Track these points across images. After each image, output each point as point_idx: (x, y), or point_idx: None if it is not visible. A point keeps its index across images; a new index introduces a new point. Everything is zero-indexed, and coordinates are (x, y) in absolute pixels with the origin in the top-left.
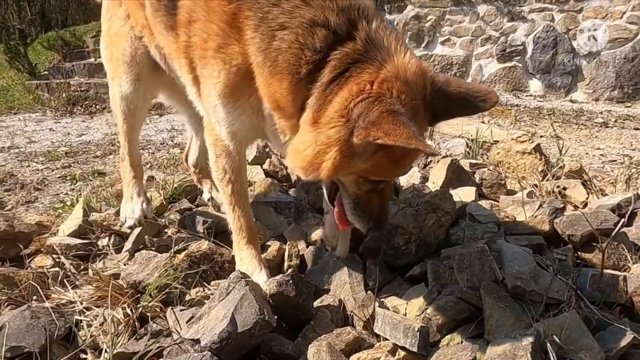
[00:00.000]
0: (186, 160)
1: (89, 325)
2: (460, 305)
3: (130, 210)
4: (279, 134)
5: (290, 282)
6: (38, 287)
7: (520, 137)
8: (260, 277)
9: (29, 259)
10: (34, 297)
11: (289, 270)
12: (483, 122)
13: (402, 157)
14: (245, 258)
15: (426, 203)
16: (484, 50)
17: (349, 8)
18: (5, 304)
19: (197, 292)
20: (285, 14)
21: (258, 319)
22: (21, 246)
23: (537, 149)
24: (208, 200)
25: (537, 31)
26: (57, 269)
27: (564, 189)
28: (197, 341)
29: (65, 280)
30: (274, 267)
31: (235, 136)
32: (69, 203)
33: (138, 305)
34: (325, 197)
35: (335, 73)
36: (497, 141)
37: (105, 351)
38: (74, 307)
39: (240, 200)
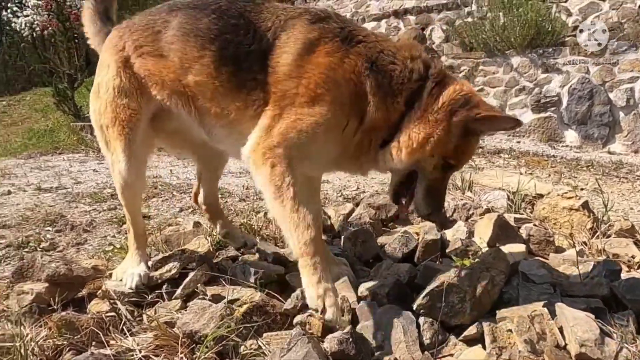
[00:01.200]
0: (195, 199)
1: None
2: None
3: (130, 273)
4: (367, 155)
5: (350, 340)
6: (99, 332)
7: (566, 192)
8: (322, 289)
9: (87, 303)
10: (93, 343)
11: (348, 328)
12: (521, 174)
13: (474, 146)
14: (310, 266)
15: (480, 262)
16: (518, 101)
17: (419, 54)
18: (67, 349)
19: (251, 345)
20: (389, 55)
21: None
22: (81, 290)
23: (585, 205)
24: (223, 236)
25: (572, 83)
26: (113, 313)
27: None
28: None
29: (123, 327)
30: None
31: (311, 167)
32: (118, 246)
33: (194, 356)
34: (391, 192)
35: (435, 82)
36: (540, 195)
37: None
38: (132, 354)
39: (304, 202)
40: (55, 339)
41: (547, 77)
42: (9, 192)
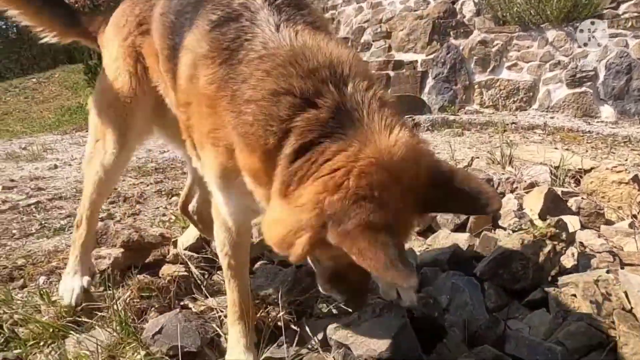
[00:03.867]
0: (184, 209)
1: None
2: (591, 331)
3: (70, 287)
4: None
5: (431, 302)
6: (178, 293)
7: (615, 166)
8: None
9: (157, 268)
10: (181, 303)
11: (425, 290)
12: (556, 149)
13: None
14: (234, 334)
15: (543, 231)
16: (553, 76)
17: (316, 70)
18: (151, 309)
19: (321, 307)
20: (250, 89)
21: (416, 353)
22: (149, 256)
23: (635, 179)
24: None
25: (610, 57)
26: (186, 273)
27: None
28: (345, 346)
29: (195, 289)
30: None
31: (232, 215)
32: (173, 217)
33: (270, 316)
34: (310, 261)
35: (300, 144)
36: (584, 169)
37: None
38: (214, 313)
39: (238, 274)
40: (138, 300)
41: (583, 51)
42: (56, 167)
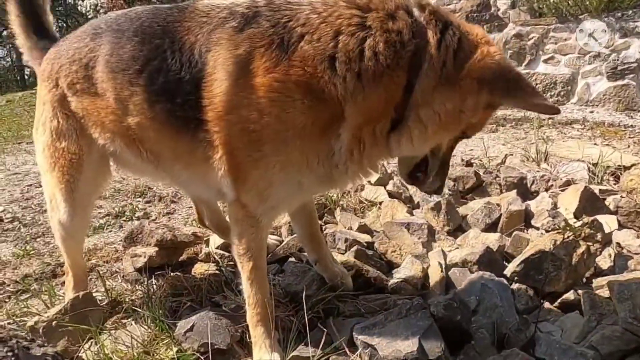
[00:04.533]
0: (203, 223)
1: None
2: (627, 335)
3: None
4: (357, 157)
5: (455, 305)
6: (209, 291)
7: None
8: None
9: (190, 266)
10: (212, 300)
11: (452, 293)
12: (595, 144)
13: (491, 115)
14: (258, 336)
15: (577, 231)
16: (592, 68)
17: (398, 7)
18: (184, 306)
19: (348, 306)
20: (353, 33)
21: (442, 355)
22: (182, 254)
23: None
24: None
25: None
26: (217, 271)
27: None
28: (371, 347)
29: (226, 287)
30: (419, 285)
31: (277, 209)
32: None
33: (298, 314)
34: (406, 173)
35: (440, 32)
36: (624, 166)
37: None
38: (243, 311)
39: (259, 277)
40: (171, 297)
41: (625, 42)
42: None
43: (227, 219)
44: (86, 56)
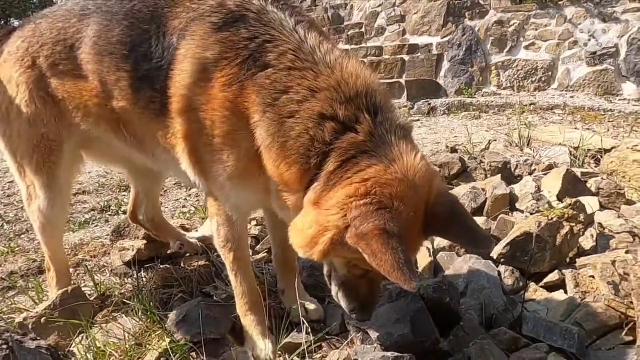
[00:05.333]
0: (134, 219)
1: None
2: (610, 312)
3: None
4: (282, 207)
5: (444, 287)
6: (201, 281)
7: (636, 145)
8: (264, 347)
9: (179, 259)
10: (202, 291)
11: (440, 276)
12: (576, 129)
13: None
14: (248, 325)
15: (560, 212)
16: (572, 54)
17: (356, 97)
18: (175, 297)
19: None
20: (294, 103)
21: (432, 335)
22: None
23: None
24: (179, 248)
25: (632, 32)
26: (206, 262)
27: None
28: (363, 330)
29: (216, 278)
30: None
31: (240, 209)
32: (193, 208)
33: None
34: (325, 273)
35: (340, 161)
36: (604, 149)
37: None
38: (234, 301)
39: (242, 267)
40: (161, 289)
41: (603, 28)
42: None
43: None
44: (72, 37)
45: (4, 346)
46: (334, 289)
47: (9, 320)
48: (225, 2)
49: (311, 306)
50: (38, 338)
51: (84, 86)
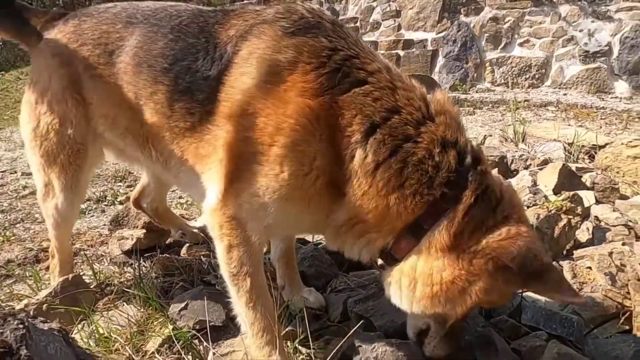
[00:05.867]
0: (138, 205)
1: None
2: (607, 302)
3: None
4: (351, 242)
5: None
6: (202, 270)
7: (631, 141)
8: None
9: (179, 248)
10: (204, 279)
11: None
12: (569, 125)
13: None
14: (262, 357)
15: (558, 205)
16: (566, 52)
17: (459, 126)
18: (176, 286)
19: (339, 281)
20: (410, 125)
21: None
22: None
23: None
24: (180, 237)
25: (625, 31)
26: (206, 251)
27: None
28: (366, 318)
29: (217, 267)
30: None
31: (273, 233)
32: (191, 199)
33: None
34: (414, 335)
35: (477, 195)
36: (597, 145)
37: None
38: None
39: (261, 295)
40: (162, 278)
41: (597, 26)
42: None
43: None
44: (114, 43)
45: (20, 325)
46: (436, 342)
47: (9, 307)
48: (294, 7)
49: (312, 296)
50: (48, 321)
51: (118, 96)
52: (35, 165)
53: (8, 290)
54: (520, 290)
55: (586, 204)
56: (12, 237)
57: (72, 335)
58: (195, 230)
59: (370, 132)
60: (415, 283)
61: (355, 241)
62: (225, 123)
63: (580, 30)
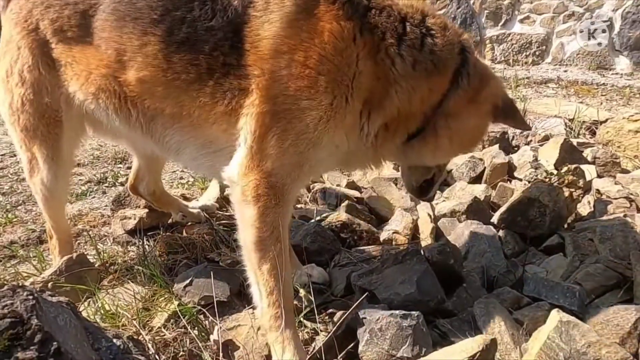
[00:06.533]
0: (135, 191)
1: None
2: (609, 272)
3: None
4: (385, 145)
5: (448, 250)
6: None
7: (632, 115)
8: None
9: (181, 227)
10: (208, 256)
11: (443, 239)
12: (570, 102)
13: None
14: (279, 342)
15: (560, 178)
16: (567, 28)
17: None
18: (180, 263)
19: (342, 257)
20: (419, 26)
21: (438, 295)
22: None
23: None
24: (182, 218)
25: (627, 6)
26: (209, 230)
27: None
28: (369, 291)
29: (221, 244)
30: (410, 236)
31: (316, 171)
32: (192, 179)
33: None
34: (414, 188)
35: (474, 56)
36: (598, 121)
37: None
38: (241, 266)
39: (285, 263)
40: (166, 255)
41: (598, 1)
42: None
43: (232, 201)
44: (85, 1)
45: (30, 297)
46: (437, 183)
47: None
48: None
49: (314, 271)
50: (55, 294)
51: (93, 54)
52: (17, 142)
53: (13, 270)
54: (522, 264)
55: (588, 178)
56: (15, 219)
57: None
58: (196, 211)
59: (399, 42)
60: (452, 136)
61: (392, 139)
62: (258, 67)
63: (581, 6)
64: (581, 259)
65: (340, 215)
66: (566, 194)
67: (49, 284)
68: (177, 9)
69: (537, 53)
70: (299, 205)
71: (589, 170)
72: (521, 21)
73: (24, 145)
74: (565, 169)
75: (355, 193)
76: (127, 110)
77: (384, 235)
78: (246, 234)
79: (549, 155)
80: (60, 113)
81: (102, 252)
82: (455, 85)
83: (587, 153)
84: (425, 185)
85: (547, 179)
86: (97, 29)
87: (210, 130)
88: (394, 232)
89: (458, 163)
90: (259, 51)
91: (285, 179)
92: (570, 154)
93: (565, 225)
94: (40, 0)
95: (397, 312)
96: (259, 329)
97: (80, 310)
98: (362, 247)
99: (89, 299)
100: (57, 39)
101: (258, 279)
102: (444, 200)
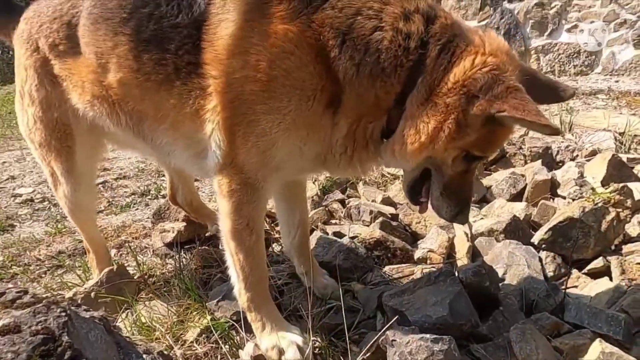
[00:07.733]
0: (174, 201)
1: (290, 297)
2: None
3: None
4: (356, 149)
5: (484, 272)
6: None
7: None
8: (297, 338)
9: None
10: None
11: (479, 261)
12: (621, 114)
13: (505, 134)
14: (265, 316)
15: (606, 198)
16: (618, 36)
17: None
18: (214, 277)
19: (375, 275)
20: (371, 18)
21: (472, 319)
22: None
23: None
24: (216, 231)
25: None
26: None
27: None
28: (400, 312)
29: None
30: (445, 255)
31: (282, 174)
32: None
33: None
34: (407, 191)
35: (440, 47)
36: None
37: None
38: (274, 281)
39: (261, 249)
40: (201, 269)
41: None
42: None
43: (216, 195)
44: (68, 12)
45: (63, 313)
46: (436, 196)
47: (60, 295)
48: None
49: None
50: (90, 310)
51: (83, 63)
52: (39, 159)
53: (59, 280)
54: (563, 288)
55: (637, 197)
56: (64, 229)
57: (117, 324)
58: None
59: (342, 43)
60: (405, 140)
61: (362, 144)
62: (214, 68)
63: (634, 13)
64: (629, 284)
65: (374, 232)
66: (613, 214)
67: (92, 294)
68: (145, 6)
69: (586, 63)
70: (332, 221)
71: (639, 189)
72: (568, 30)
73: (44, 160)
74: (610, 188)
75: (390, 209)
76: (117, 114)
77: (418, 254)
78: (223, 225)
79: (596, 171)
80: (71, 127)
81: (141, 264)
82: (409, 87)
83: (638, 170)
84: (418, 189)
85: (591, 199)
86: (80, 37)
87: (187, 131)
88: (428, 251)
89: (498, 179)
90: (216, 51)
91: (255, 175)
92: (618, 170)
93: (612, 248)
94: (36, 20)
95: (428, 335)
96: None
97: (119, 321)
98: (395, 265)
99: (127, 311)
100: (54, 55)
101: (235, 265)
102: (481, 218)
